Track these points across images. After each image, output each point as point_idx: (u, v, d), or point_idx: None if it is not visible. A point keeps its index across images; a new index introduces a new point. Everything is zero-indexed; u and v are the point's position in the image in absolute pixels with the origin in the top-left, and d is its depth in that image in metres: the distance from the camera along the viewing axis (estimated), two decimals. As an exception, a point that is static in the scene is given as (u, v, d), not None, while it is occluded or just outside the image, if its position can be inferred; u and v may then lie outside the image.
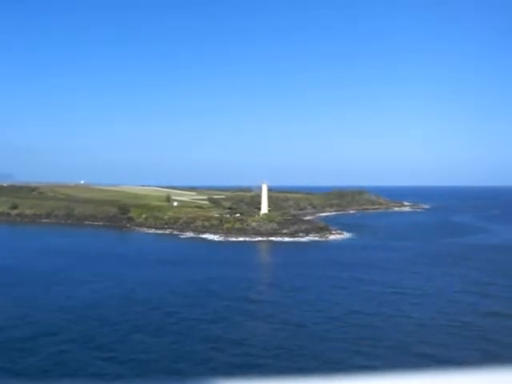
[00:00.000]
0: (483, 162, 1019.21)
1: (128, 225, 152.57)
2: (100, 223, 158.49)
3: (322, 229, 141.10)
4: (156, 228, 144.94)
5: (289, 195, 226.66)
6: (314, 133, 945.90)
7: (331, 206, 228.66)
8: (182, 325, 47.32)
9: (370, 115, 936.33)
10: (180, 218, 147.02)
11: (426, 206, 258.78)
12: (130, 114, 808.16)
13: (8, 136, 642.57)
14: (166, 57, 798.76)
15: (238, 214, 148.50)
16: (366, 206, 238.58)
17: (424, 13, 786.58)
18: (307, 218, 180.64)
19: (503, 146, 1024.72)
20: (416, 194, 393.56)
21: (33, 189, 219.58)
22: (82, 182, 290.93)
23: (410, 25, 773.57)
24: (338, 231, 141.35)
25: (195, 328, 46.41)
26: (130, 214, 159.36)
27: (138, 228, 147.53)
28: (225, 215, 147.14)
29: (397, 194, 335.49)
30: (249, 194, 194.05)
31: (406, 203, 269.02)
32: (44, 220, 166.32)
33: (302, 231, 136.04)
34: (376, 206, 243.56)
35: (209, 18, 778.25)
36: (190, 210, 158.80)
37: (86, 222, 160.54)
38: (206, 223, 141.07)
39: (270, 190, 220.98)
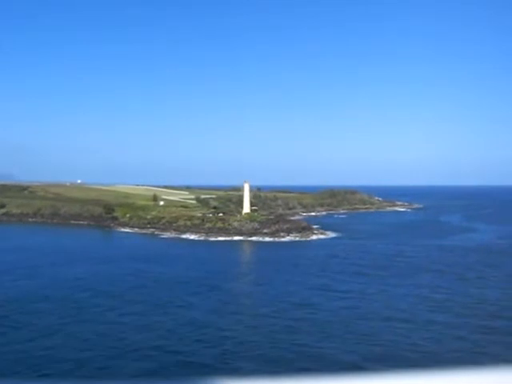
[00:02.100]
0: (485, 162, 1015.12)
1: (112, 224, 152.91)
2: (85, 222, 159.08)
3: (304, 228, 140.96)
4: (139, 227, 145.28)
5: (279, 194, 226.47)
6: (314, 133, 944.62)
7: (322, 205, 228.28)
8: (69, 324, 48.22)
9: (372, 114, 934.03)
10: (163, 218, 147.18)
11: (419, 206, 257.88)
12: (130, 114, 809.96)
13: (8, 136, 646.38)
14: (161, 57, 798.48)
15: (220, 214, 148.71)
16: (358, 206, 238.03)
17: (424, 12, 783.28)
18: (295, 217, 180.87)
19: (505, 145, 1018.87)
20: (413, 194, 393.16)
21: (24, 188, 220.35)
22: (79, 181, 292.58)
23: (409, 24, 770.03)
24: (321, 231, 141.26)
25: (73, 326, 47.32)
26: (115, 214, 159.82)
27: (121, 227, 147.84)
28: (207, 215, 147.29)
29: (393, 194, 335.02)
30: (237, 194, 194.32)
31: (398, 203, 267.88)
32: (31, 219, 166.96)
33: (283, 231, 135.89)
34: (368, 206, 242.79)
35: (202, 18, 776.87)
36: (174, 209, 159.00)
37: (72, 222, 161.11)
38: (188, 223, 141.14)
39: (259, 189, 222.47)
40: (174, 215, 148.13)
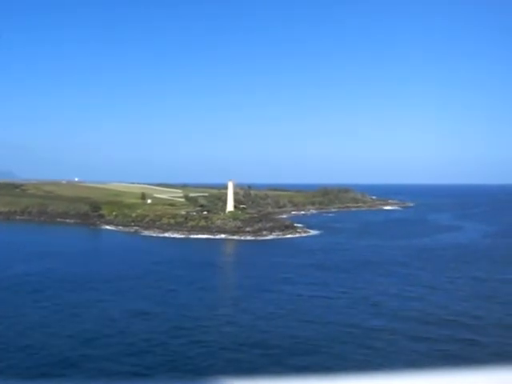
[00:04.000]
0: (486, 160, 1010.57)
1: (98, 222, 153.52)
2: (71, 221, 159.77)
3: (287, 227, 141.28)
4: (123, 226, 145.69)
5: (270, 193, 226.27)
6: (314, 131, 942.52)
7: (313, 203, 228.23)
8: None
9: (373, 113, 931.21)
10: (147, 216, 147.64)
11: (411, 204, 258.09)
12: (131, 113, 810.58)
13: (9, 134, 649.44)
14: (160, 56, 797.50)
15: (205, 212, 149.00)
16: (349, 205, 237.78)
17: (424, 11, 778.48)
18: (283, 216, 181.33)
19: (505, 144, 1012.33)
20: (410, 192, 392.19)
21: (16, 186, 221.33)
22: (76, 179, 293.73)
23: (409, 22, 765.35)
24: (304, 229, 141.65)
25: None
26: (102, 212, 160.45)
27: (106, 225, 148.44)
28: (191, 213, 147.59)
29: (390, 192, 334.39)
30: (225, 192, 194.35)
31: (390, 201, 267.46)
32: (18, 217, 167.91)
33: (265, 229, 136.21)
34: (359, 204, 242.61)
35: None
36: (159, 207, 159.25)
37: (59, 220, 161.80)
38: (172, 221, 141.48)
39: (249, 187, 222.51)
40: (158, 213, 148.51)
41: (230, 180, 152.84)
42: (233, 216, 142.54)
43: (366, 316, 51.91)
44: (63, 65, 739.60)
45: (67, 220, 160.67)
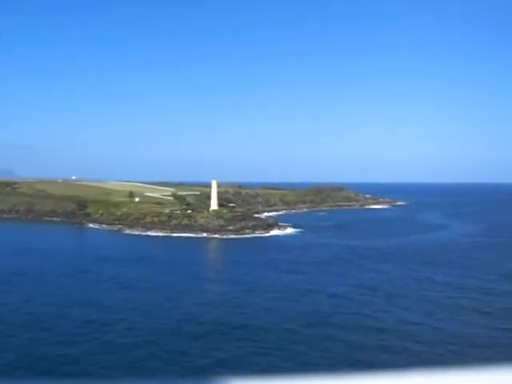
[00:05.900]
0: (487, 160, 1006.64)
1: (84, 221, 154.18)
2: (58, 219, 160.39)
3: (270, 226, 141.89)
4: (107, 224, 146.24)
5: (261, 191, 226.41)
6: (314, 131, 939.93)
7: (305, 202, 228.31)
8: None
9: (373, 112, 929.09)
10: (131, 214, 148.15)
11: (402, 203, 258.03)
12: (130, 112, 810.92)
13: (9, 134, 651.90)
14: (159, 55, 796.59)
15: (189, 211, 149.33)
16: (342, 203, 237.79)
17: (423, 10, 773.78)
18: (270, 214, 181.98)
19: (506, 143, 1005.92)
20: (407, 191, 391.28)
21: (8, 184, 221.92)
22: (74, 177, 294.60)
23: (408, 21, 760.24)
24: (287, 228, 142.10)
25: None
26: (88, 210, 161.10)
27: (91, 224, 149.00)
28: (176, 211, 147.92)
29: (386, 191, 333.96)
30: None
31: (382, 200, 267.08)
32: (5, 216, 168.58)
33: (248, 228, 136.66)
34: (352, 203, 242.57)
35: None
36: (145, 206, 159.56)
37: (46, 218, 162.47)
38: (155, 219, 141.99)
39: (240, 186, 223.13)
40: (142, 212, 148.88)
41: (214, 179, 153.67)
42: (217, 214, 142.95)
43: (286, 319, 50.73)
44: (63, 65, 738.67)
45: (54, 218, 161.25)
